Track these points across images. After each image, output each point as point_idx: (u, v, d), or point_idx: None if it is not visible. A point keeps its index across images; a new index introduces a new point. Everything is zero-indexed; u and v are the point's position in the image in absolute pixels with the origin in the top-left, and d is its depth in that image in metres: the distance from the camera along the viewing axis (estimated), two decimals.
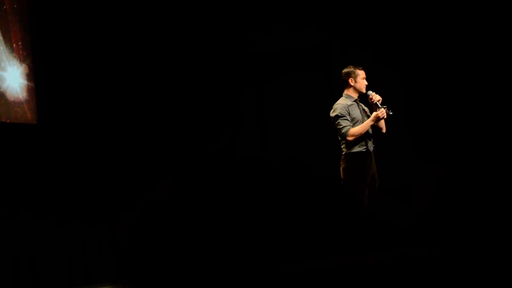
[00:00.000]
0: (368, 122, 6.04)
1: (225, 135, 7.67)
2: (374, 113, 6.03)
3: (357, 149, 6.04)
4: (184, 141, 7.49)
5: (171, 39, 7.54)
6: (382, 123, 6.15)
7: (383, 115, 5.99)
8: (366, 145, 6.07)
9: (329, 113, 6.15)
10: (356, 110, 6.14)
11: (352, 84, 6.16)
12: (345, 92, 6.20)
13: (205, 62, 7.65)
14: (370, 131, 6.09)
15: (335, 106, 6.12)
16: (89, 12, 7.19)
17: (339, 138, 6.11)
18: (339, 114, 6.04)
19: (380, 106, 6.04)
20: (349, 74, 6.17)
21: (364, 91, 6.15)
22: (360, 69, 6.17)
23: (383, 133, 6.21)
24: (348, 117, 6.04)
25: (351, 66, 6.19)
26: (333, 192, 5.87)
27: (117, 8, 7.34)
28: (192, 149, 7.46)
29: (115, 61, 7.28)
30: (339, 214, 5.64)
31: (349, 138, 5.99)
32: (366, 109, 6.24)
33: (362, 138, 6.03)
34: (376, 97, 6.08)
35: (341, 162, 6.09)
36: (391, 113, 6.00)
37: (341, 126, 6.02)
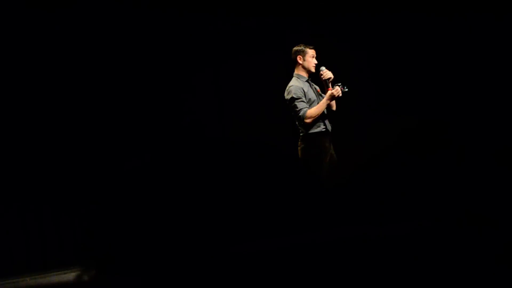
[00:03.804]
0: (324, 102, 6.01)
1: (184, 117, 7.66)
2: (329, 92, 5.99)
3: (316, 129, 6.02)
4: (141, 121, 7.46)
5: (133, 22, 7.50)
6: (333, 101, 6.12)
7: (338, 94, 5.96)
8: (325, 124, 6.06)
9: (283, 95, 6.10)
10: (310, 90, 6.11)
11: (300, 62, 6.12)
12: (296, 72, 6.16)
13: (161, 42, 7.61)
14: (325, 111, 6.07)
15: (289, 88, 6.06)
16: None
17: (296, 121, 6.08)
18: (294, 96, 5.99)
19: (329, 84, 6.02)
20: (297, 52, 6.13)
21: (313, 70, 6.11)
22: (310, 48, 6.12)
23: (333, 110, 6.18)
24: (304, 99, 6.01)
25: (301, 44, 6.15)
26: (291, 170, 5.91)
27: None
28: (150, 128, 7.44)
29: (70, 37, 7.24)
30: (298, 193, 5.68)
31: (307, 121, 5.97)
32: (317, 88, 6.21)
33: (319, 118, 6.01)
34: (326, 74, 6.05)
35: (300, 143, 6.06)
36: (346, 90, 5.98)
37: (298, 109, 5.98)
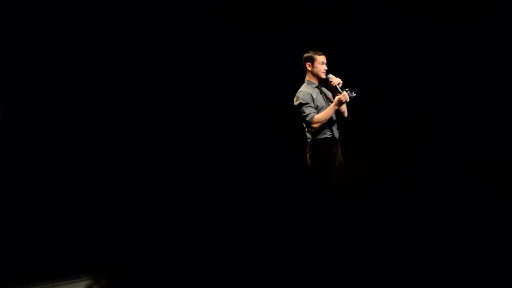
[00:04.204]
0: (331, 107, 5.99)
1: (191, 127, 7.65)
2: (337, 97, 5.98)
3: (322, 135, 6.01)
4: (148, 131, 7.46)
5: (140, 34, 7.50)
6: (344, 108, 6.11)
7: (345, 99, 5.95)
8: (332, 131, 6.05)
9: (292, 100, 6.10)
10: (319, 96, 6.10)
11: (309, 69, 6.11)
12: (306, 78, 6.16)
13: (166, 53, 7.61)
14: (334, 117, 6.06)
15: (297, 94, 6.07)
16: None
17: (304, 126, 6.08)
18: (302, 102, 5.99)
19: (340, 90, 5.99)
20: (306, 59, 6.13)
21: (323, 76, 6.09)
22: (318, 54, 6.11)
23: (345, 117, 6.18)
24: (312, 104, 6.00)
25: (310, 51, 6.13)
26: (296, 181, 5.89)
27: None
28: (159, 139, 7.44)
29: (75, 45, 7.25)
30: (303, 202, 5.66)
31: (314, 125, 5.95)
32: (329, 94, 6.19)
33: (326, 124, 6.00)
34: (335, 80, 6.03)
35: (307, 150, 6.07)
36: (354, 95, 5.96)
37: (305, 114, 5.98)
